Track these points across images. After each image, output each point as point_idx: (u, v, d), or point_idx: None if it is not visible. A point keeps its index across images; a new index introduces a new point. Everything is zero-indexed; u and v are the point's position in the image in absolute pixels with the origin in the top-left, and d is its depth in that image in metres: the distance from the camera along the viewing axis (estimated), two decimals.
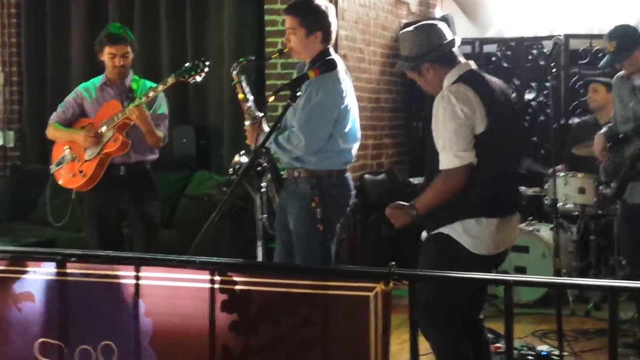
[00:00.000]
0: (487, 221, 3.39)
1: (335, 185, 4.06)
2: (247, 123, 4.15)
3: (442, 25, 3.54)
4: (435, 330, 3.45)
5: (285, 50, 4.15)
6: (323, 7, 4.06)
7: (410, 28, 3.55)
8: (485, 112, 3.35)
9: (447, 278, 3.16)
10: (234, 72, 4.15)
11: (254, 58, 4.34)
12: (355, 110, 4.17)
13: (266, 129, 4.06)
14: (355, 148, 4.18)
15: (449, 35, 3.52)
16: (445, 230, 3.42)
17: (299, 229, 4.02)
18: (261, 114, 4.13)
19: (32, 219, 6.67)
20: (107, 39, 4.89)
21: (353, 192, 4.20)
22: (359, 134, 4.20)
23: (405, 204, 3.50)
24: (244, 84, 4.17)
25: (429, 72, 3.51)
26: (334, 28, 4.09)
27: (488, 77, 3.55)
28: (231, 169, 4.27)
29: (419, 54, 3.49)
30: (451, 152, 3.35)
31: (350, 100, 4.10)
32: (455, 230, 3.40)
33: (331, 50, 4.12)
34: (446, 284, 3.35)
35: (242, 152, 4.27)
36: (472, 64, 3.54)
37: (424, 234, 3.57)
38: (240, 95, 4.16)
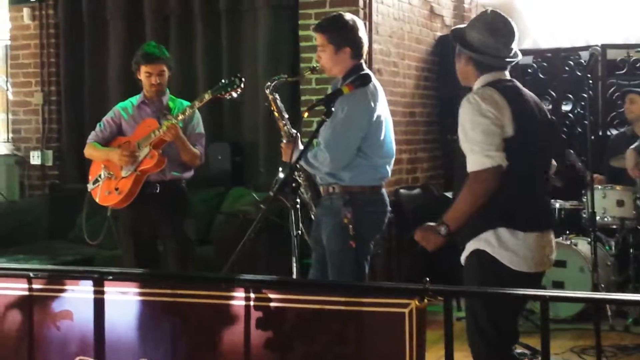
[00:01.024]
0: (523, 235, 3.28)
1: (370, 202, 4.05)
2: (284, 141, 4.18)
3: (512, 34, 3.40)
4: (485, 350, 3.34)
5: (317, 67, 4.18)
6: (351, 23, 4.08)
7: (488, 14, 3.44)
8: (513, 117, 3.25)
9: (482, 294, 3.14)
10: (268, 91, 4.18)
11: (286, 76, 4.38)
12: (389, 125, 4.16)
13: (301, 146, 4.08)
14: (390, 163, 4.18)
15: (510, 46, 3.40)
16: (480, 246, 3.30)
17: (332, 245, 4.03)
18: (296, 132, 4.15)
19: (70, 237, 6.73)
20: (143, 58, 4.95)
21: (389, 209, 4.19)
22: (393, 149, 4.19)
23: (434, 224, 3.36)
24: (279, 102, 4.20)
25: (465, 63, 3.45)
26: (364, 43, 4.11)
27: (522, 88, 3.46)
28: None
29: (468, 43, 3.40)
30: (481, 152, 3.22)
31: (383, 114, 4.09)
32: (491, 245, 3.28)
33: (364, 65, 4.14)
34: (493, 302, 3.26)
35: (281, 169, 4.30)
36: (507, 75, 3.46)
37: (463, 256, 3.43)
38: (275, 113, 4.20)
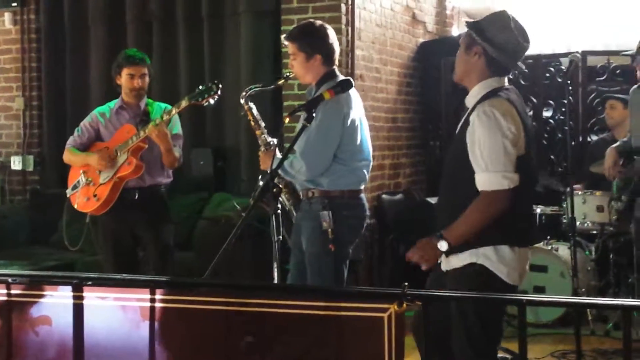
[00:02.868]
0: (519, 250, 3.24)
1: (349, 206, 4.08)
2: (261, 149, 4.21)
3: (528, 38, 3.29)
4: (473, 351, 3.29)
5: (290, 75, 4.22)
6: (321, 30, 4.14)
7: (507, 14, 3.27)
8: (524, 134, 3.20)
9: (461, 298, 3.15)
10: (242, 101, 4.22)
11: (261, 85, 4.41)
12: (365, 129, 4.19)
13: (279, 154, 4.10)
14: (368, 167, 4.21)
15: (525, 50, 3.30)
16: (479, 260, 3.22)
17: (311, 249, 4.05)
18: (274, 140, 4.20)
19: (51, 243, 6.72)
20: (125, 60, 4.95)
21: (367, 213, 4.21)
22: (370, 153, 4.22)
23: (429, 239, 3.24)
24: (254, 111, 4.24)
25: (477, 57, 3.29)
26: (336, 50, 4.15)
27: (520, 97, 3.39)
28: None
29: (489, 37, 3.24)
30: (499, 172, 3.13)
31: (358, 119, 4.12)
32: (490, 260, 3.21)
33: (337, 71, 4.18)
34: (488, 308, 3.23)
35: (260, 177, 4.32)
36: (507, 84, 3.36)
37: (455, 265, 3.31)
38: (252, 123, 4.25)
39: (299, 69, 4.14)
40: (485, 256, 3.22)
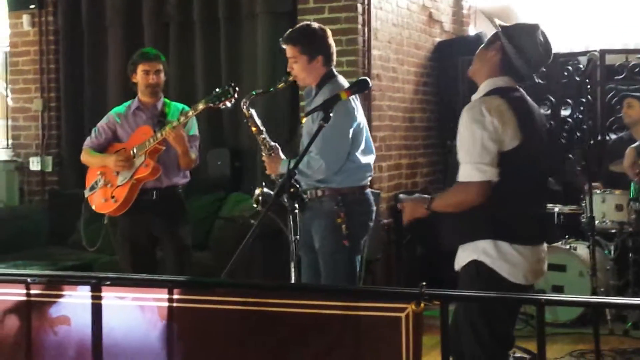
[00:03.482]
0: (522, 248, 3.23)
1: (358, 201, 4.15)
2: (264, 154, 4.24)
3: (549, 58, 3.34)
4: (483, 356, 3.29)
5: (290, 79, 4.23)
6: (320, 31, 4.18)
7: (539, 27, 3.31)
8: (520, 129, 3.18)
9: (479, 298, 3.14)
10: (244, 107, 4.23)
11: (261, 91, 4.42)
12: (366, 125, 4.27)
13: (283, 157, 4.19)
14: (372, 160, 4.28)
15: (545, 64, 3.35)
16: (479, 257, 3.23)
17: (326, 246, 4.09)
18: (276, 144, 4.24)
19: (70, 243, 6.75)
20: (140, 57, 4.99)
21: (374, 208, 4.27)
22: (373, 147, 4.31)
23: (424, 197, 3.35)
24: (255, 117, 4.26)
25: (492, 51, 3.32)
26: (333, 49, 4.20)
27: (527, 97, 3.38)
28: (254, 204, 4.32)
29: (512, 37, 3.26)
30: (473, 164, 3.16)
31: (361, 119, 4.21)
32: (490, 257, 3.21)
33: (334, 70, 4.21)
34: (488, 307, 3.23)
35: (263, 183, 4.33)
36: (514, 84, 3.36)
37: (459, 265, 3.35)
38: (254, 129, 4.27)
39: (300, 72, 4.16)
40: (485, 253, 3.23)
